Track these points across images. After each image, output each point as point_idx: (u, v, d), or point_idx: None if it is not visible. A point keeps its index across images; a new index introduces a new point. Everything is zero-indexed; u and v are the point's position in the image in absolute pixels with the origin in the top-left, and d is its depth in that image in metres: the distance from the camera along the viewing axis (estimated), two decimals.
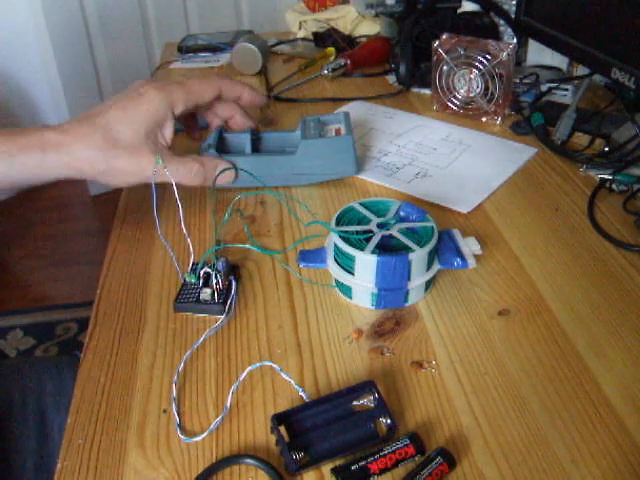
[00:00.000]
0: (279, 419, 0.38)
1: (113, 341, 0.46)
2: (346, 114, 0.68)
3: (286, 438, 0.37)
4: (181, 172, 0.57)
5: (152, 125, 0.55)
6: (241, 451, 0.38)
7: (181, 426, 0.39)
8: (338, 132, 0.67)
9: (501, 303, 0.49)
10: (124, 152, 0.53)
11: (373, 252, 0.46)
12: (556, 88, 0.85)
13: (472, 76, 0.79)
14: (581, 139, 0.73)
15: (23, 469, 0.62)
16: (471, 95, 0.80)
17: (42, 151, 0.50)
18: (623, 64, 0.65)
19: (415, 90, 0.92)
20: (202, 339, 0.46)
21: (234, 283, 0.50)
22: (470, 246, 0.52)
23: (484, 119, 0.81)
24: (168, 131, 0.57)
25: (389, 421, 0.38)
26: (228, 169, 0.60)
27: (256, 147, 0.67)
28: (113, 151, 0.52)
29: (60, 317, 1.74)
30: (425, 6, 1.00)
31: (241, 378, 0.42)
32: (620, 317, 0.47)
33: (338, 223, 0.50)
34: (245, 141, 0.65)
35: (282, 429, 0.37)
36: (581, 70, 0.89)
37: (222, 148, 0.65)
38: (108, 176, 0.53)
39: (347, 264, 0.48)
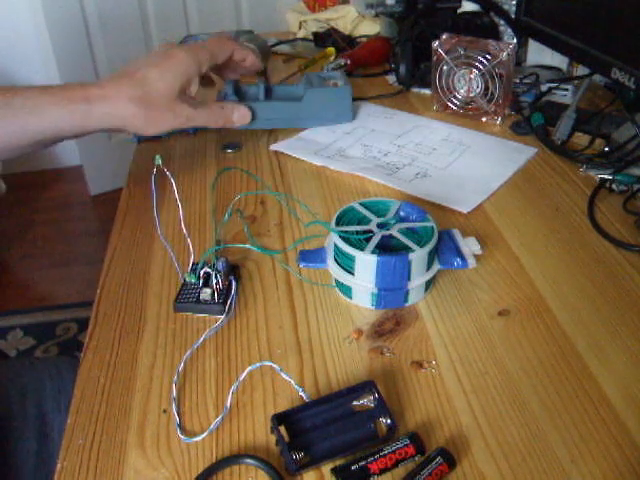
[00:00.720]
0: (279, 419, 0.38)
1: (113, 341, 0.46)
2: (343, 73, 0.84)
3: (286, 438, 0.37)
4: (206, 115, 0.65)
5: (184, 81, 0.62)
6: (241, 451, 0.38)
7: (181, 426, 0.39)
8: (336, 85, 0.80)
9: (501, 303, 0.49)
10: (160, 105, 0.60)
11: (373, 252, 0.46)
12: (556, 88, 0.85)
13: (472, 76, 0.79)
14: (581, 139, 0.73)
15: (23, 470, 0.61)
16: (471, 95, 0.80)
17: (88, 103, 0.56)
18: (623, 64, 0.65)
19: (415, 90, 0.92)
20: (202, 339, 0.46)
21: (234, 283, 0.50)
22: (470, 246, 0.52)
23: (484, 119, 0.81)
24: (194, 87, 0.64)
25: (389, 421, 0.38)
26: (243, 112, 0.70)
27: (267, 96, 0.80)
28: (151, 104, 0.59)
29: (60, 317, 1.74)
30: (425, 6, 1.00)
31: (241, 378, 0.42)
32: (620, 317, 0.47)
33: (338, 223, 0.50)
34: (260, 90, 0.79)
35: (282, 429, 0.37)
36: (581, 70, 0.89)
37: (238, 97, 0.76)
38: (146, 125, 0.60)
39: (347, 264, 0.48)
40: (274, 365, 0.42)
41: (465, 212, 0.60)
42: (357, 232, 0.49)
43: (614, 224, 0.58)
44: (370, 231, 0.49)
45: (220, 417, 0.40)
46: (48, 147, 0.60)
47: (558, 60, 0.93)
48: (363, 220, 0.51)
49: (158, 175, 0.47)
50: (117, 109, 0.57)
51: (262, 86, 0.79)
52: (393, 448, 0.36)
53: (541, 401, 0.40)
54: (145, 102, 0.58)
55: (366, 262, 0.46)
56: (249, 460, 0.36)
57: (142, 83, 0.59)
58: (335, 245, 0.48)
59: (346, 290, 0.49)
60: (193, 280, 0.50)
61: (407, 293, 0.48)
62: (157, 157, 0.53)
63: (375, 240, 0.48)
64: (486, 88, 0.78)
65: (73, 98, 0.56)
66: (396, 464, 0.36)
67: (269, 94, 0.81)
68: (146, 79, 0.59)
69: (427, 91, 0.89)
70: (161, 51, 0.63)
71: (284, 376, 0.42)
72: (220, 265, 0.49)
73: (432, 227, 0.49)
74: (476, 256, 0.51)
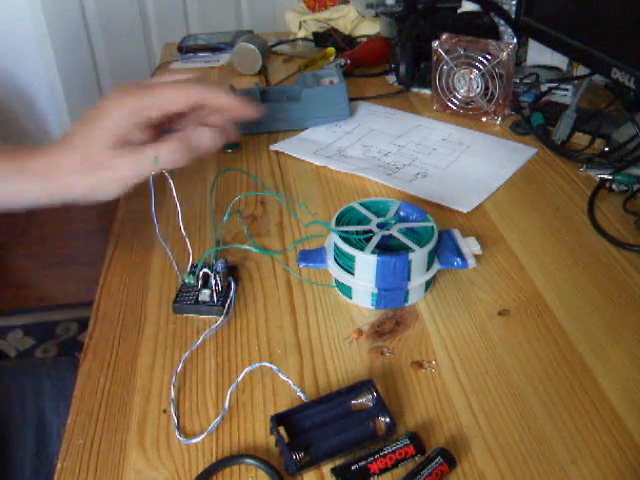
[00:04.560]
0: (279, 419, 0.38)
1: (113, 341, 0.46)
2: (337, 69, 0.84)
3: (286, 438, 0.37)
4: (165, 156, 0.52)
5: (117, 135, 0.51)
6: (241, 451, 0.38)
7: (181, 427, 0.39)
8: (332, 83, 0.80)
9: (501, 303, 0.49)
10: (98, 165, 0.51)
11: (373, 252, 0.46)
12: (556, 88, 0.85)
13: (472, 76, 0.79)
14: (581, 139, 0.73)
15: (22, 472, 0.61)
16: (471, 95, 0.80)
17: (23, 178, 0.50)
18: (623, 64, 0.65)
19: (415, 90, 0.92)
20: (201, 339, 0.46)
21: (233, 284, 0.50)
22: (470, 246, 0.52)
23: (484, 119, 0.81)
24: (138, 137, 0.52)
25: (388, 419, 0.38)
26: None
27: (263, 99, 0.80)
28: (91, 170, 0.51)
29: (60, 317, 1.74)
30: (425, 6, 1.00)
31: (239, 379, 0.42)
32: (620, 317, 0.47)
33: (338, 223, 0.50)
34: (255, 93, 0.79)
35: (282, 429, 0.37)
36: (581, 70, 0.89)
37: None
38: (91, 195, 0.51)
39: (347, 264, 0.48)
40: (272, 366, 0.42)
41: (465, 212, 0.60)
42: (357, 232, 0.49)
43: (614, 224, 0.58)
44: (370, 231, 0.49)
45: (220, 417, 0.40)
46: None
47: (558, 60, 0.93)
48: (363, 220, 0.51)
49: (157, 175, 0.47)
50: (55, 184, 0.51)
51: (258, 89, 0.79)
52: (393, 448, 0.36)
53: (541, 401, 0.40)
54: (84, 170, 0.51)
55: (366, 262, 0.46)
56: (249, 460, 0.36)
57: (75, 149, 0.51)
58: (335, 245, 0.48)
59: (346, 290, 0.49)
60: (192, 281, 0.49)
61: (407, 293, 0.48)
62: (156, 157, 0.53)
63: (375, 240, 0.48)
64: (486, 88, 0.78)
65: (6, 171, 0.50)
66: (396, 464, 0.36)
67: (265, 97, 0.81)
68: (79, 144, 0.52)
69: (427, 91, 0.89)
70: (97, 104, 0.53)
71: (282, 377, 0.42)
72: (219, 266, 0.49)
73: (432, 227, 0.49)
74: (476, 256, 0.51)
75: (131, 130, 0.52)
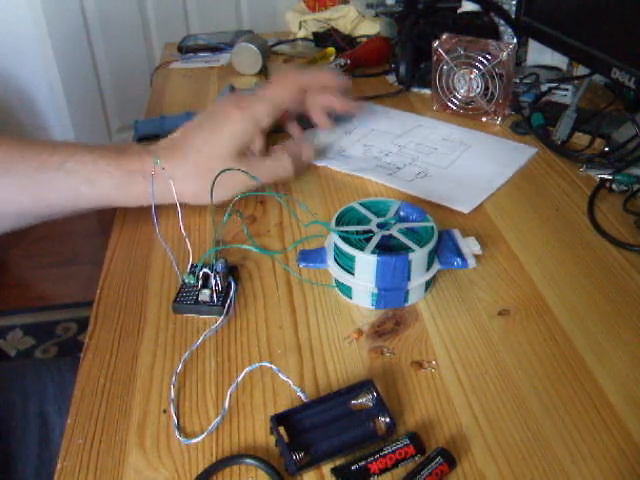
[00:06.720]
0: (279, 419, 0.38)
1: (113, 341, 0.46)
2: (337, 69, 0.87)
3: (286, 438, 0.37)
4: (275, 170, 0.59)
5: (239, 145, 0.56)
6: (241, 451, 0.38)
7: (180, 427, 0.39)
8: None
9: (501, 303, 0.49)
10: (214, 171, 0.52)
11: (373, 252, 0.46)
12: (556, 88, 0.85)
13: (472, 76, 0.79)
14: (581, 139, 0.73)
15: (24, 473, 0.61)
16: (471, 95, 0.80)
17: (144, 177, 0.53)
18: (623, 64, 0.65)
19: (415, 90, 0.92)
20: (201, 339, 0.46)
21: (233, 284, 0.50)
22: (470, 246, 0.52)
23: (484, 119, 0.81)
24: (257, 144, 0.59)
25: (388, 419, 0.38)
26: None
27: None
28: (208, 175, 0.52)
29: (60, 317, 1.74)
30: (425, 6, 1.00)
31: (239, 379, 0.42)
32: (620, 317, 0.47)
33: (338, 223, 0.50)
34: None
35: (282, 429, 0.37)
36: (581, 70, 0.89)
37: None
38: (206, 197, 0.52)
39: (347, 264, 0.48)
40: (272, 366, 0.42)
41: (466, 212, 0.60)
42: (357, 232, 0.49)
43: (614, 224, 0.58)
44: (370, 231, 0.49)
45: (220, 417, 0.40)
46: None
47: (558, 60, 0.93)
48: (363, 220, 0.51)
49: (157, 175, 0.47)
50: (175, 185, 0.52)
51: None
52: (393, 448, 0.36)
53: (541, 401, 0.40)
54: (201, 174, 0.54)
55: (366, 262, 0.46)
56: (249, 460, 0.36)
57: (196, 153, 0.55)
58: (335, 245, 0.48)
59: (346, 290, 0.49)
60: (192, 281, 0.49)
61: (407, 293, 0.48)
62: (156, 157, 0.53)
63: (375, 240, 0.48)
64: (486, 88, 0.78)
65: (130, 169, 0.53)
66: (396, 464, 0.36)
67: None
68: (200, 149, 0.55)
69: (427, 91, 0.89)
70: (215, 110, 0.58)
71: (282, 377, 0.42)
72: (219, 266, 0.49)
73: (432, 227, 0.49)
74: (476, 256, 0.51)
75: (251, 140, 0.57)
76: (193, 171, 0.55)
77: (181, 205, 0.49)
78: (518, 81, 0.87)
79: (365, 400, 0.40)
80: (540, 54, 0.94)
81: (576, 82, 0.86)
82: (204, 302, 0.48)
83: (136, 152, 0.55)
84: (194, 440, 0.38)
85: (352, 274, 0.48)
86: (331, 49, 1.06)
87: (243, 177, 0.53)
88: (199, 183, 0.54)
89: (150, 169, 0.52)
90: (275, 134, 0.70)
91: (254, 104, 0.58)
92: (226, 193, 0.56)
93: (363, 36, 1.14)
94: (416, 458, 0.36)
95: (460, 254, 0.50)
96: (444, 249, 0.51)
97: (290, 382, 0.41)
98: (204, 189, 0.52)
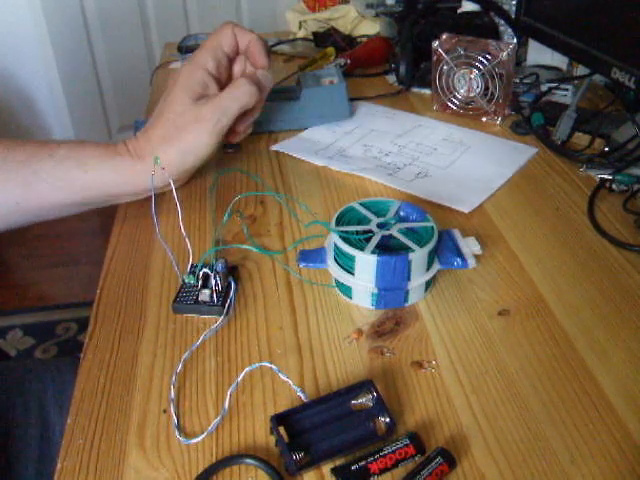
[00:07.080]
0: (279, 419, 0.38)
1: (113, 341, 0.46)
2: (337, 69, 0.84)
3: (286, 438, 0.37)
4: (237, 96, 0.59)
5: (194, 91, 0.58)
6: (241, 451, 0.38)
7: (180, 427, 0.39)
8: (332, 83, 0.80)
9: (501, 303, 0.49)
10: (184, 124, 0.57)
11: (373, 252, 0.46)
12: (556, 88, 0.85)
13: (472, 76, 0.79)
14: (581, 139, 0.73)
15: (24, 473, 0.61)
16: (471, 95, 0.80)
17: (131, 157, 0.57)
18: (623, 64, 0.65)
19: (415, 90, 0.92)
20: (201, 339, 0.46)
21: (233, 284, 0.50)
22: (470, 246, 0.52)
23: (484, 119, 0.81)
24: (211, 89, 0.60)
25: (388, 419, 0.38)
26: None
27: None
28: (178, 134, 0.57)
29: (60, 317, 1.74)
30: (425, 6, 1.00)
31: (239, 379, 0.42)
32: (620, 317, 0.47)
33: (338, 223, 0.50)
34: None
35: (282, 429, 0.37)
36: (581, 70, 0.89)
37: None
38: (186, 156, 0.58)
39: (347, 264, 0.48)
40: (272, 366, 0.42)
41: (466, 212, 0.60)
42: (357, 232, 0.49)
43: (614, 224, 0.58)
44: (370, 231, 0.49)
45: (220, 417, 0.40)
46: (99, 207, 0.60)
47: (558, 60, 0.93)
48: (363, 220, 0.51)
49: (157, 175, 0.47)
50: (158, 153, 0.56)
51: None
52: (393, 448, 0.36)
53: (541, 401, 0.40)
54: (172, 135, 0.57)
55: (366, 262, 0.46)
56: (249, 460, 0.36)
57: (160, 117, 0.58)
58: (335, 245, 0.48)
59: (346, 290, 0.49)
60: (192, 281, 0.49)
61: (407, 293, 0.48)
62: (156, 157, 0.53)
63: (375, 240, 0.48)
64: (486, 88, 0.78)
65: (118, 151, 0.57)
66: (396, 464, 0.36)
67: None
68: (162, 112, 0.58)
69: (427, 91, 0.89)
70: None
71: (282, 377, 0.42)
72: (219, 266, 0.49)
73: (432, 227, 0.49)
74: (476, 256, 0.51)
75: (203, 85, 0.59)
76: (163, 133, 0.57)
77: (181, 205, 0.49)
78: (518, 81, 0.87)
79: (365, 400, 0.40)
80: (540, 54, 0.94)
81: (576, 82, 0.86)
82: (204, 302, 0.48)
83: (121, 140, 0.59)
84: (194, 440, 0.38)
85: (352, 274, 0.48)
86: (331, 49, 1.06)
87: (205, 126, 0.57)
88: (175, 146, 0.57)
89: (138, 150, 0.56)
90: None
91: (195, 53, 0.62)
92: (200, 151, 0.58)
93: (363, 36, 1.14)
94: (416, 458, 0.36)
95: (460, 254, 0.50)
96: (444, 249, 0.51)
97: (290, 382, 0.41)
98: (181, 153, 0.57)
